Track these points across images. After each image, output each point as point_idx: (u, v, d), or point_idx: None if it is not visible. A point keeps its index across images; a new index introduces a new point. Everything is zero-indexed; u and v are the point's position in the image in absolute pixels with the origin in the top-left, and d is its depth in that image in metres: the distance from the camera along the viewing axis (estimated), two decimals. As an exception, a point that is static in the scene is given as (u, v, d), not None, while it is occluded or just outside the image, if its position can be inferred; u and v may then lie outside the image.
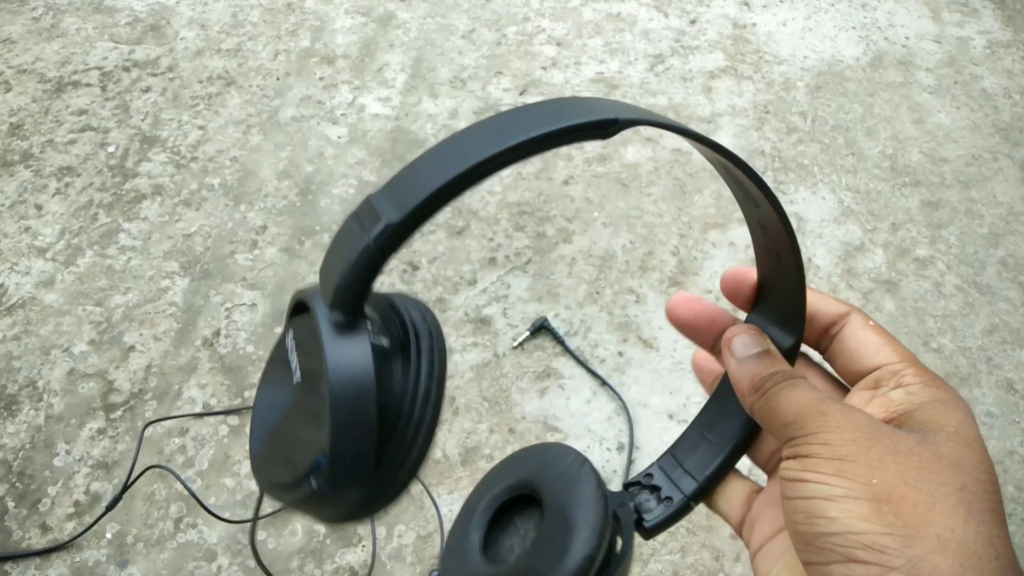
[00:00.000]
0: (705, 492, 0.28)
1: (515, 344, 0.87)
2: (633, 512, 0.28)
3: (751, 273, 0.29)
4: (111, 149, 1.04)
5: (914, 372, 0.24)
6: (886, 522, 0.19)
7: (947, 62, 1.24)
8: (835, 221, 1.01)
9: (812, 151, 1.10)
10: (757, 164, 1.07)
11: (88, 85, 1.12)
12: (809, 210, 1.02)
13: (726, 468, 0.28)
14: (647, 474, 0.29)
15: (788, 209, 1.02)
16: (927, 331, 0.91)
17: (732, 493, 0.28)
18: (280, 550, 0.72)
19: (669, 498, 0.28)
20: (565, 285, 0.93)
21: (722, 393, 0.30)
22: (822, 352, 0.28)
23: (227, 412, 0.80)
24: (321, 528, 0.74)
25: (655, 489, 0.29)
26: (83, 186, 1.00)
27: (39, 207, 0.97)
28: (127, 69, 1.14)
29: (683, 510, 0.28)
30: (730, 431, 0.29)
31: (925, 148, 1.11)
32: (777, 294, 0.28)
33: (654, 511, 0.28)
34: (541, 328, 0.87)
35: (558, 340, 0.87)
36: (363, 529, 0.74)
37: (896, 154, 1.10)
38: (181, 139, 1.06)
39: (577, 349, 0.87)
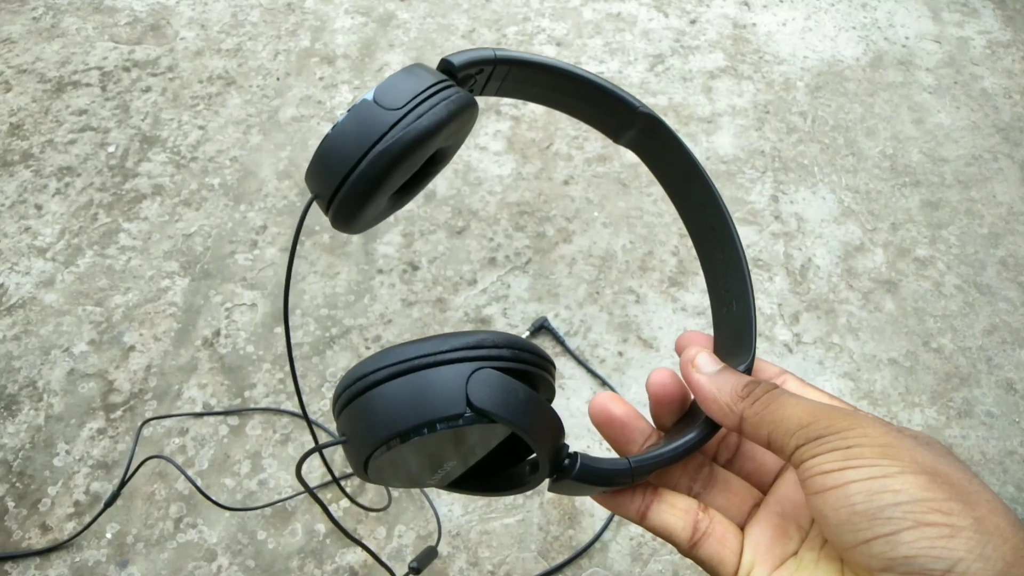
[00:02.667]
0: (646, 466, 0.28)
1: (515, 344, 0.87)
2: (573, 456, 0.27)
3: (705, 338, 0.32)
4: (111, 149, 1.04)
5: (873, 414, 0.27)
6: (944, 490, 0.21)
7: (947, 62, 1.24)
8: (835, 221, 1.01)
9: (812, 151, 1.10)
10: (757, 164, 1.07)
11: (88, 85, 1.12)
12: (809, 210, 1.02)
13: (673, 458, 0.28)
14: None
15: (788, 209, 1.02)
16: (927, 331, 0.91)
17: (679, 504, 0.29)
18: (280, 550, 0.72)
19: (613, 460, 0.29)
20: (565, 285, 0.93)
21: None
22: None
23: (226, 412, 0.80)
24: (321, 528, 0.74)
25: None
26: (83, 186, 1.00)
27: (39, 207, 0.97)
28: (127, 69, 1.14)
29: (622, 472, 0.28)
30: (679, 436, 0.29)
31: (925, 148, 1.11)
32: (728, 326, 0.32)
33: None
34: (541, 328, 0.87)
35: (558, 340, 0.87)
36: (363, 529, 0.74)
37: (896, 154, 1.10)
38: (181, 139, 1.06)
39: (577, 349, 0.87)
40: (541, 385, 0.27)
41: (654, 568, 0.73)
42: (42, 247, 0.93)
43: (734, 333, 0.32)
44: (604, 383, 0.84)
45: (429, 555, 0.70)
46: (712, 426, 0.29)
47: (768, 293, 0.94)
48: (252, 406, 0.81)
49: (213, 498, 0.73)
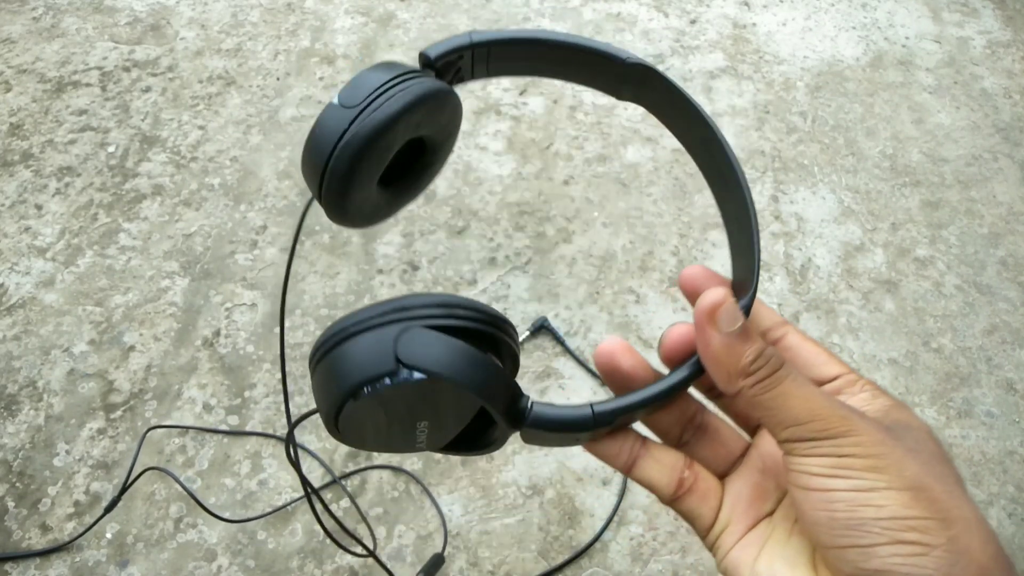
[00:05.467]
0: (614, 414, 0.27)
1: (515, 344, 0.87)
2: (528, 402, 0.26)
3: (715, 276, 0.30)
4: (111, 149, 1.04)
5: (865, 381, 0.27)
6: (924, 508, 0.22)
7: (947, 62, 1.24)
8: (835, 221, 1.01)
9: (812, 151, 1.10)
10: (757, 164, 1.07)
11: (88, 85, 1.12)
12: (809, 210, 1.02)
13: (641, 408, 0.27)
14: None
15: (788, 209, 1.02)
16: (927, 331, 0.91)
17: (666, 460, 0.29)
18: (280, 550, 0.72)
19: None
20: (565, 285, 0.93)
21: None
22: None
23: (228, 433, 0.80)
24: (320, 528, 0.74)
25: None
26: (83, 186, 1.00)
27: (39, 207, 0.97)
28: (127, 69, 1.14)
29: (584, 419, 0.26)
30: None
31: (925, 148, 1.11)
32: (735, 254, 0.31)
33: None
34: (541, 328, 0.87)
35: (558, 340, 0.87)
36: (363, 529, 0.74)
37: (896, 154, 1.10)
38: (181, 139, 1.06)
39: (577, 349, 0.87)
40: (486, 341, 0.26)
41: (654, 568, 0.73)
42: (42, 247, 0.93)
43: (739, 268, 0.30)
44: (604, 383, 0.84)
45: (436, 563, 0.70)
46: (687, 379, 0.27)
47: (768, 293, 0.94)
48: (250, 427, 0.81)
49: (211, 509, 0.73)
